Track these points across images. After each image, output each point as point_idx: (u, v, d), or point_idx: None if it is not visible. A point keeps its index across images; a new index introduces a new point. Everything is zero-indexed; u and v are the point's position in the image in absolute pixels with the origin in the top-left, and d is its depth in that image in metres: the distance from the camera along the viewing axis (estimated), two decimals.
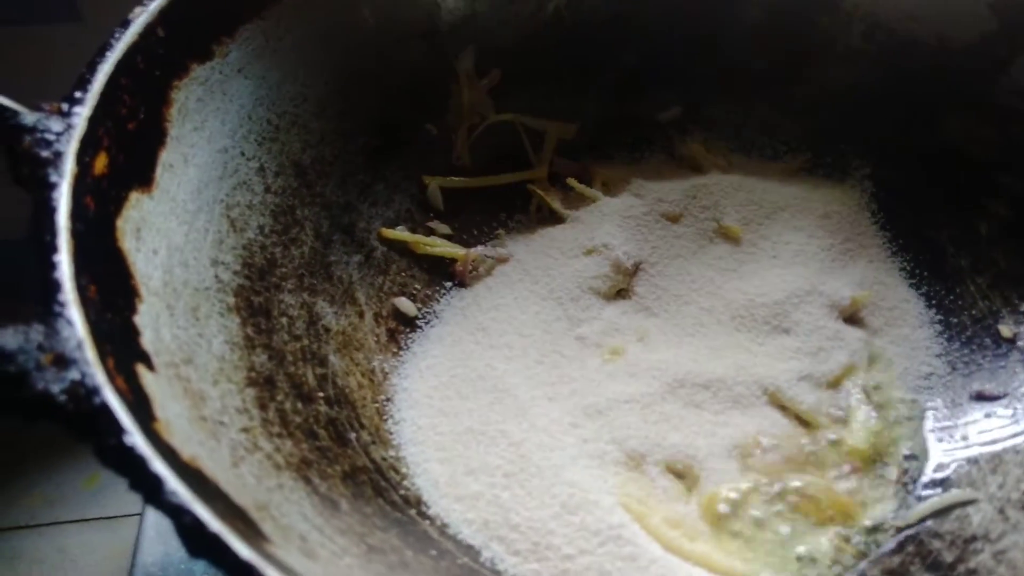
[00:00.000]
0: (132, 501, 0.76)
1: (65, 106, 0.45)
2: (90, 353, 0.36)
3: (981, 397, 0.56)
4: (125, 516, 0.87)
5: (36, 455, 0.92)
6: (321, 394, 0.52)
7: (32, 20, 0.90)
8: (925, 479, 0.52)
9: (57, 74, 0.49)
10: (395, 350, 0.59)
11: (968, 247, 0.63)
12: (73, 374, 0.35)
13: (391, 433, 0.53)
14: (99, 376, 0.35)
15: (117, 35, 0.50)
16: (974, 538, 0.48)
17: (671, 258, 0.65)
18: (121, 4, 0.53)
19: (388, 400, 0.56)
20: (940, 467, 0.53)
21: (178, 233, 0.49)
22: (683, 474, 0.52)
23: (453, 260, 0.65)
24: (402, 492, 0.49)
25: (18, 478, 0.92)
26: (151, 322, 0.43)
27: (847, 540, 0.49)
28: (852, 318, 0.61)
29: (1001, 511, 0.49)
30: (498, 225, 0.69)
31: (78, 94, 0.46)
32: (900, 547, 0.49)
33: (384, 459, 0.51)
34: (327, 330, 0.56)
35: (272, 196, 0.58)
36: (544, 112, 0.71)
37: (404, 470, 0.51)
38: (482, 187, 0.69)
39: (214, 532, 0.31)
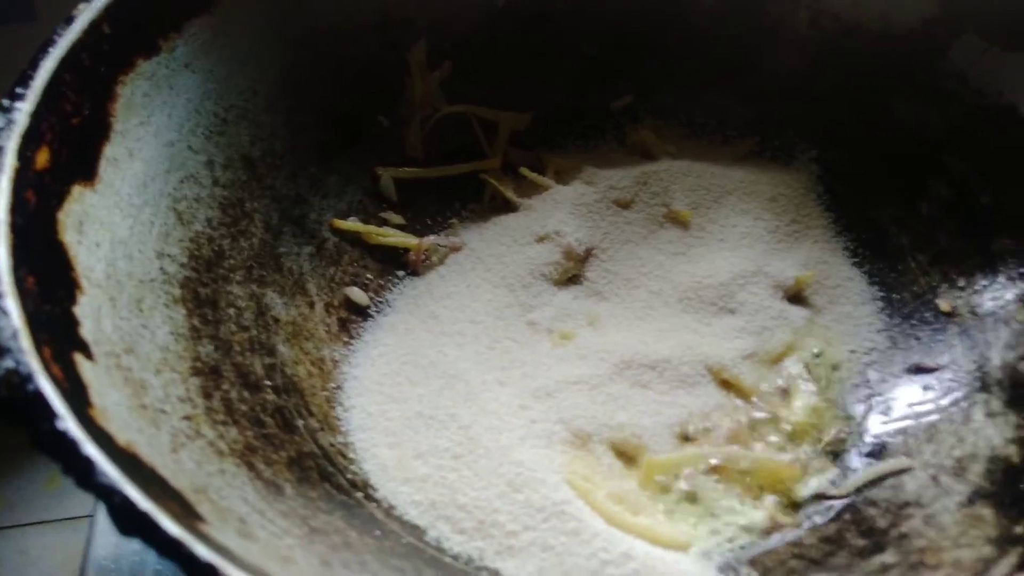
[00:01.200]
0: (92, 502, 0.77)
1: (6, 102, 0.46)
2: (25, 342, 0.37)
3: (919, 370, 0.57)
4: (86, 517, 0.87)
5: None
6: (269, 383, 0.52)
7: None
8: (862, 450, 0.54)
9: (13, 73, 0.49)
10: (346, 339, 0.60)
11: (909, 226, 0.65)
12: (7, 362, 0.35)
13: (340, 420, 0.54)
14: (33, 364, 0.36)
15: (60, 32, 0.51)
16: (907, 504, 0.49)
17: (622, 243, 0.66)
18: (78, 3, 0.54)
19: (338, 388, 0.56)
20: (877, 437, 0.54)
21: (122, 226, 0.50)
22: (628, 452, 0.53)
23: (406, 250, 0.66)
24: (349, 476, 0.50)
25: None
26: (92, 313, 0.43)
27: (783, 509, 0.50)
28: (796, 297, 0.62)
29: (934, 478, 0.50)
30: (452, 214, 0.70)
31: (19, 90, 0.47)
32: (837, 515, 0.50)
33: (332, 445, 0.52)
34: (276, 320, 0.57)
35: (220, 189, 0.58)
36: (497, 102, 0.72)
37: (352, 455, 0.52)
38: (436, 177, 0.70)
39: (143, 511, 0.32)
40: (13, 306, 0.37)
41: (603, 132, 0.75)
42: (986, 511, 0.46)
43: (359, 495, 0.49)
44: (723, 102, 0.75)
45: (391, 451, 0.52)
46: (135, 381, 0.43)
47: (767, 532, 0.49)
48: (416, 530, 0.48)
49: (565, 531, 0.47)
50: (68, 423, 0.34)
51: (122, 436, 0.37)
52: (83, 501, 0.90)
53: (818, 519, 0.50)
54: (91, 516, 0.78)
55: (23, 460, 0.93)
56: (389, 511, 0.49)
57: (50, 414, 0.34)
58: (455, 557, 0.47)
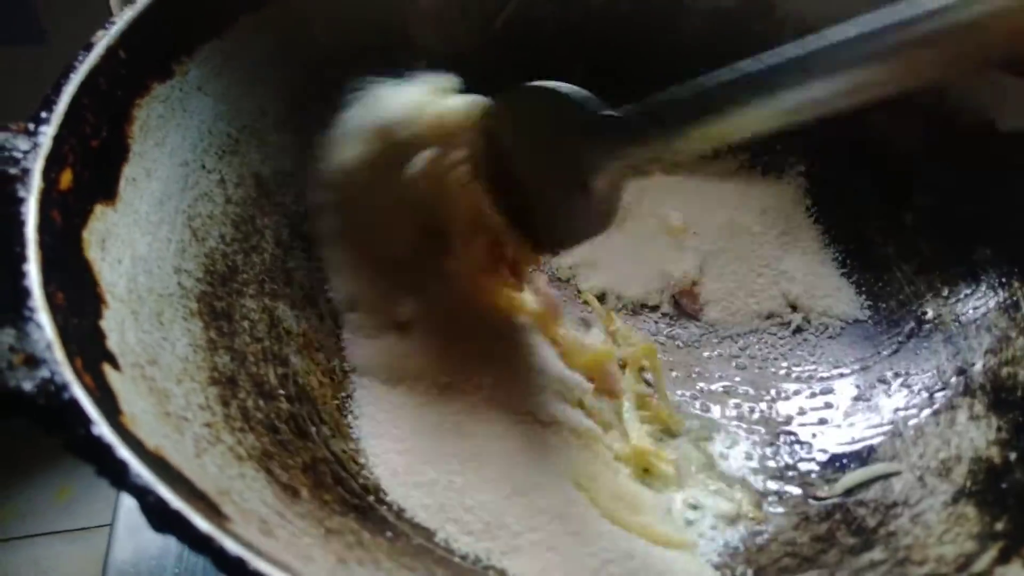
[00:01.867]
0: (103, 512, 0.78)
1: (31, 126, 0.48)
2: (59, 353, 0.39)
3: (906, 375, 0.60)
4: (96, 527, 0.89)
5: (7, 470, 0.93)
6: (282, 392, 0.54)
7: None
8: (850, 452, 0.56)
9: (23, 95, 0.51)
10: None
11: (894, 237, 0.67)
12: (43, 372, 0.37)
13: (351, 427, 0.56)
14: (67, 374, 0.38)
15: (81, 57, 0.53)
16: (895, 504, 0.52)
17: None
18: (85, 27, 0.56)
19: (348, 397, 0.59)
20: (864, 440, 0.56)
21: (142, 243, 0.52)
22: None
23: None
24: (361, 481, 0.52)
25: None
26: (117, 326, 0.45)
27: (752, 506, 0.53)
28: (791, 306, 0.65)
29: (921, 479, 0.53)
30: None
31: (44, 114, 0.49)
32: (828, 514, 0.52)
33: (344, 451, 0.54)
34: (288, 332, 0.59)
35: (233, 206, 0.60)
36: None
37: (363, 461, 0.54)
38: None
39: (176, 509, 0.34)
40: (46, 320, 0.40)
41: None
42: (969, 509, 0.49)
43: (371, 499, 0.51)
44: None
45: (400, 457, 0.54)
46: (159, 390, 0.45)
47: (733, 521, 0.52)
48: (426, 532, 0.50)
49: (569, 532, 0.49)
50: (102, 428, 0.36)
51: (151, 441, 0.39)
52: (92, 512, 0.92)
53: (784, 521, 0.53)
54: (101, 527, 0.80)
55: (34, 472, 0.94)
56: (400, 514, 0.51)
57: (85, 420, 0.36)
58: (463, 557, 0.49)
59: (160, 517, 0.34)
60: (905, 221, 0.67)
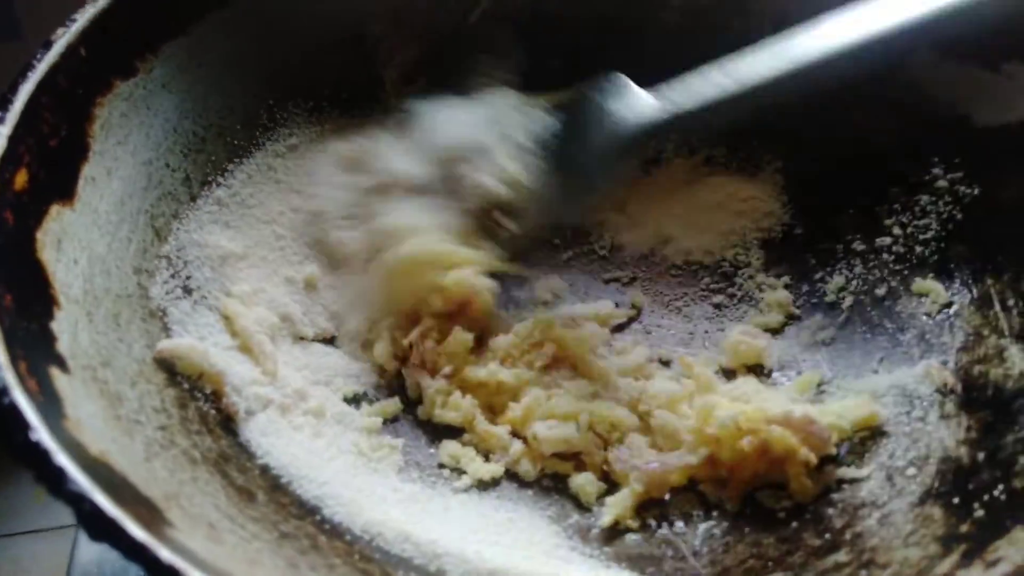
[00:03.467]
0: None
1: None
2: (2, 357, 0.38)
3: (876, 373, 0.59)
4: (74, 525, 0.89)
5: None
6: None
7: None
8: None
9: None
10: None
11: (870, 234, 0.66)
12: None
13: None
14: (9, 378, 0.37)
15: (40, 55, 0.52)
16: (863, 504, 0.51)
17: None
18: (62, 21, 0.56)
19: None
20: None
21: (100, 243, 0.51)
22: None
23: None
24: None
25: None
26: (69, 328, 0.45)
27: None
28: None
29: (889, 478, 0.52)
30: None
31: None
32: (795, 514, 0.52)
33: None
34: None
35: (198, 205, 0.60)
36: None
37: None
38: None
39: (110, 516, 0.33)
40: None
41: None
42: (936, 510, 0.48)
43: (331, 501, 0.50)
44: None
45: None
46: (111, 393, 0.44)
47: None
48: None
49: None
50: (41, 434, 0.35)
51: (95, 446, 0.39)
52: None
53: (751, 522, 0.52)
54: (75, 525, 0.80)
55: (13, 469, 0.94)
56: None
57: (24, 426, 0.36)
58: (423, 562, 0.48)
59: (95, 525, 0.33)
60: (880, 218, 0.66)
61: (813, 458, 0.51)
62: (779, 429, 0.51)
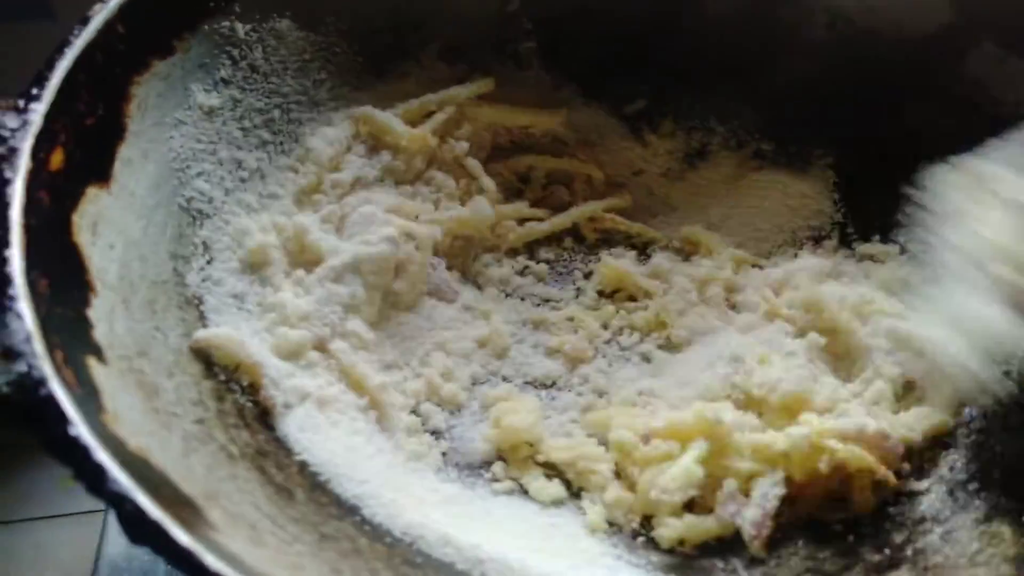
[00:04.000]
0: None
1: (21, 102, 0.46)
2: (38, 346, 0.36)
3: None
4: (99, 511, 0.87)
5: (11, 452, 0.92)
6: None
7: (4, 17, 0.90)
8: None
9: (30, 71, 0.49)
10: None
11: None
12: (20, 367, 0.35)
13: None
14: (46, 368, 0.36)
15: (77, 32, 0.50)
16: (923, 519, 0.49)
17: None
18: (93, 1, 0.54)
19: None
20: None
21: (136, 228, 0.49)
22: None
23: None
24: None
25: None
26: (105, 315, 0.43)
27: None
28: None
29: (951, 492, 0.50)
30: None
31: (35, 91, 0.46)
32: (852, 528, 0.50)
33: None
34: None
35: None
36: (508, 104, 0.72)
37: None
38: None
39: (154, 519, 0.32)
40: (26, 309, 0.37)
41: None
42: (1004, 528, 0.46)
43: (371, 501, 0.48)
44: (737, 107, 0.74)
45: None
46: (148, 384, 0.43)
47: None
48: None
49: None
50: (80, 428, 0.34)
51: (134, 441, 0.37)
52: None
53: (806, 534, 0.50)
54: (105, 511, 0.79)
55: (38, 454, 0.93)
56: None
57: (62, 419, 0.34)
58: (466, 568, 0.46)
59: (137, 527, 0.32)
60: None
61: (892, 478, 0.49)
62: (855, 448, 0.48)
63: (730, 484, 0.49)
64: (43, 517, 0.91)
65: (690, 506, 0.50)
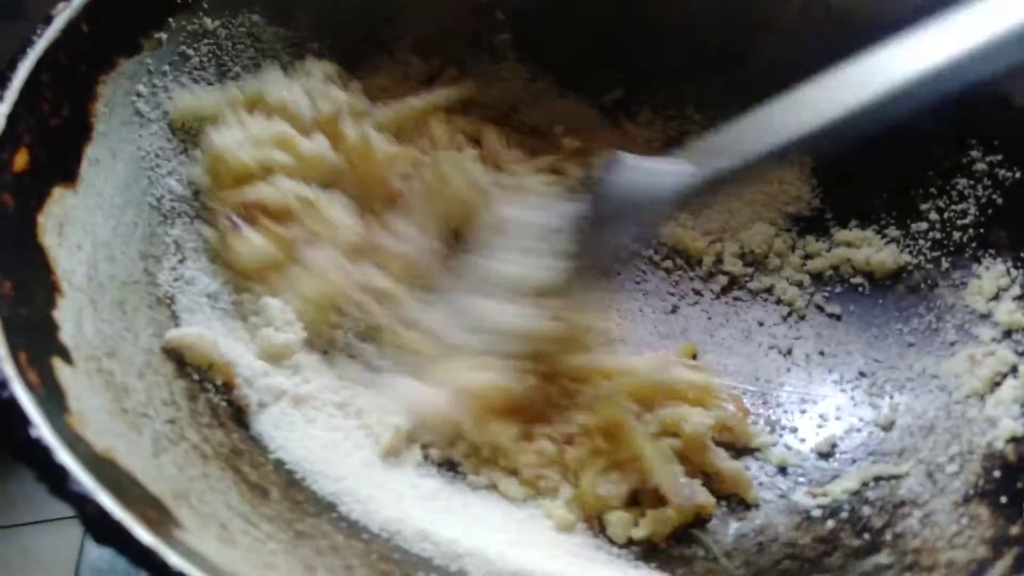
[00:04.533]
0: None
1: None
2: (1, 348, 0.36)
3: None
4: None
5: None
6: None
7: None
8: (856, 447, 0.53)
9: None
10: None
11: (902, 219, 0.64)
12: None
13: None
14: (8, 370, 0.35)
15: (40, 31, 0.50)
16: (903, 503, 0.49)
17: None
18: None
19: None
20: (872, 434, 0.53)
21: (105, 228, 0.49)
22: None
23: None
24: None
25: None
26: (72, 316, 0.43)
27: None
28: None
29: (930, 475, 0.50)
30: None
31: None
32: (832, 514, 0.50)
33: None
34: None
35: None
36: (486, 96, 0.71)
37: None
38: None
39: (117, 520, 0.31)
40: None
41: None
42: (982, 510, 0.46)
43: (348, 497, 0.48)
44: (716, 94, 0.73)
45: None
46: (117, 385, 0.42)
47: None
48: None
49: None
50: (42, 431, 0.33)
51: (100, 442, 0.37)
52: None
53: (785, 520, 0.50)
54: None
55: None
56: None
57: (24, 422, 0.33)
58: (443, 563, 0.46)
59: (101, 528, 0.31)
60: (915, 202, 0.64)
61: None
62: None
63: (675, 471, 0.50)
64: (28, 523, 0.91)
65: (635, 496, 0.50)
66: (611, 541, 0.49)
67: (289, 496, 0.45)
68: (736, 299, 0.65)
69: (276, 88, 0.59)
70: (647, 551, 0.49)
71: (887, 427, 0.54)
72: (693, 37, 0.71)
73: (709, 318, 0.64)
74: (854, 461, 0.53)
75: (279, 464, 0.48)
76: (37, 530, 0.91)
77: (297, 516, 0.44)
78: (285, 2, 0.64)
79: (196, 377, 0.49)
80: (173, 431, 0.43)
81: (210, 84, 0.59)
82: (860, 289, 0.63)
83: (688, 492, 0.49)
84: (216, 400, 0.49)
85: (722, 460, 0.52)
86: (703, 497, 0.49)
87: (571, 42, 0.73)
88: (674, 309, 0.64)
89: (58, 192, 0.47)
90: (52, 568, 0.88)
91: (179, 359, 0.48)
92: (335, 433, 0.51)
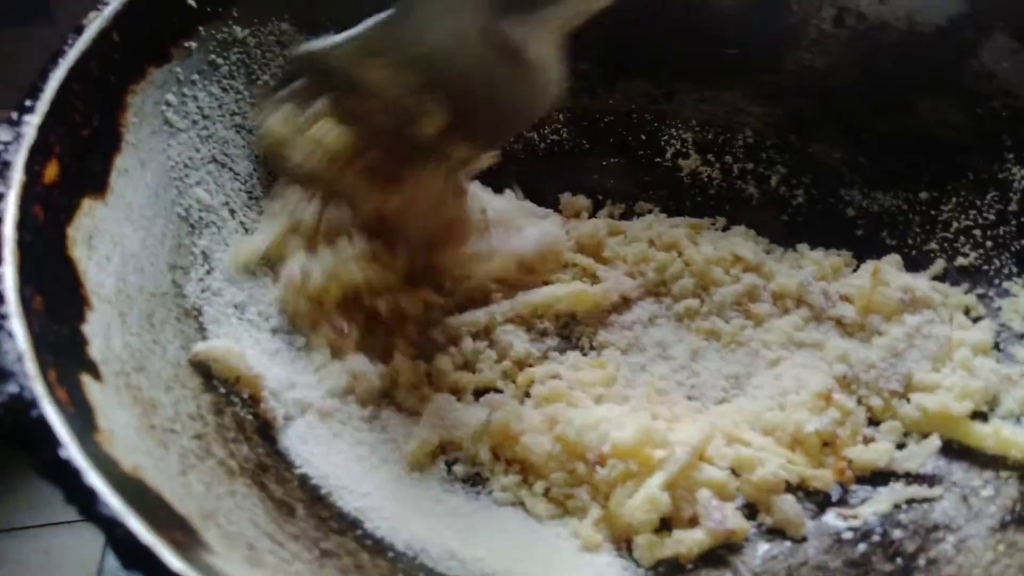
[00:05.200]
0: None
1: (15, 115, 0.45)
2: (30, 366, 0.36)
3: None
4: None
5: (19, 458, 0.92)
6: None
7: (4, 23, 0.90)
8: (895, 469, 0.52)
9: (29, 77, 0.49)
10: None
11: (932, 230, 0.63)
12: (11, 387, 0.35)
13: None
14: (38, 389, 0.35)
15: (71, 41, 0.50)
16: (936, 527, 0.48)
17: None
18: (93, 6, 0.53)
19: None
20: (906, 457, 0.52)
21: (134, 239, 0.49)
22: None
23: None
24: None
25: (0, 482, 0.93)
26: (101, 330, 0.43)
27: None
28: None
29: (964, 499, 0.49)
30: None
31: (28, 102, 0.46)
32: (863, 537, 0.49)
33: None
34: None
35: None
36: None
37: None
38: None
39: (146, 544, 0.31)
40: (19, 328, 0.37)
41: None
42: (1020, 538, 0.45)
43: (373, 514, 0.48)
44: (742, 102, 0.73)
45: None
46: (145, 400, 0.42)
47: None
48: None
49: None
50: (71, 451, 0.33)
51: (128, 460, 0.36)
52: None
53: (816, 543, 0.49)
54: None
55: None
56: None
57: (53, 442, 0.33)
58: None
59: (129, 552, 0.31)
60: (943, 213, 0.63)
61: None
62: None
63: (704, 495, 0.49)
64: (51, 524, 0.91)
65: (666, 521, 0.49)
66: (638, 563, 0.48)
67: (314, 513, 0.45)
68: None
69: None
70: (673, 570, 0.49)
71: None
72: (727, 44, 0.71)
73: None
74: (886, 483, 0.52)
75: (304, 480, 0.47)
76: (55, 532, 0.92)
77: (323, 534, 0.44)
78: (314, 10, 0.63)
79: (223, 390, 0.49)
80: (200, 447, 0.43)
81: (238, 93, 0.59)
82: None
83: (719, 517, 0.48)
84: (243, 414, 0.48)
85: (788, 505, 0.50)
86: (736, 522, 0.48)
87: (602, 49, 0.72)
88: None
89: (88, 204, 0.46)
90: (73, 570, 0.89)
91: (206, 372, 0.48)
92: (361, 447, 0.51)
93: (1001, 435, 0.50)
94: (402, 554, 0.45)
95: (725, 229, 0.68)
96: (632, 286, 0.63)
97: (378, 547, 0.45)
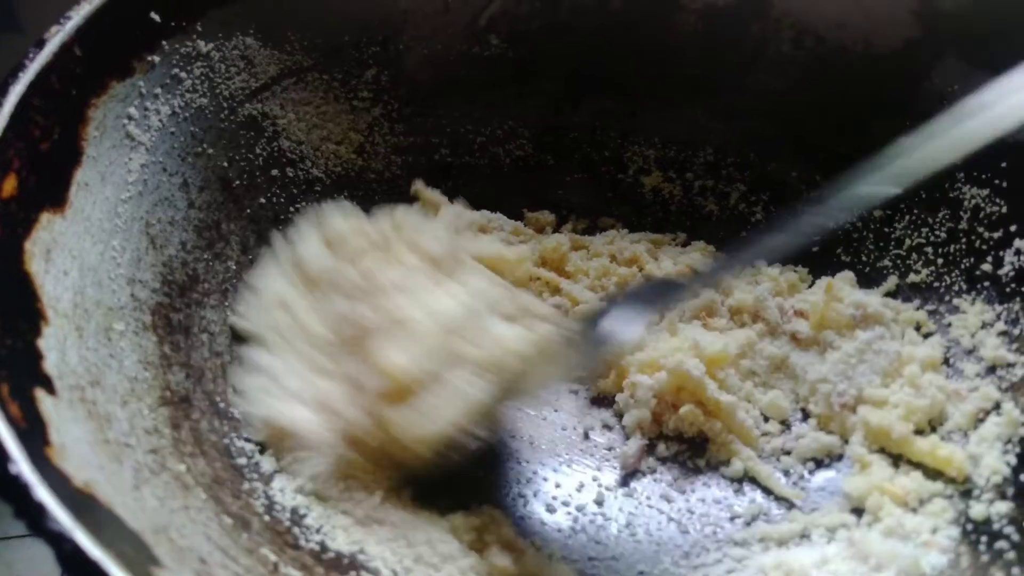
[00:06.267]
0: None
1: None
2: None
3: None
4: None
5: None
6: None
7: None
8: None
9: None
10: None
11: (888, 249, 0.64)
12: None
13: None
14: None
15: (32, 55, 0.50)
16: None
17: None
18: (60, 14, 0.53)
19: None
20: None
21: (92, 253, 0.49)
22: None
23: None
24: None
25: None
26: (57, 344, 0.43)
27: None
28: None
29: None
30: None
31: None
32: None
33: None
34: None
35: (196, 211, 0.58)
36: (480, 118, 0.72)
37: None
38: None
39: (93, 559, 0.31)
40: None
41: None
42: (963, 548, 0.46)
43: (330, 528, 0.48)
44: (704, 120, 0.74)
45: None
46: (99, 415, 0.42)
47: None
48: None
49: None
50: (21, 466, 0.33)
51: (80, 475, 0.37)
52: None
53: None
54: None
55: None
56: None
57: (3, 456, 0.33)
58: None
59: (77, 567, 0.31)
60: (896, 232, 0.64)
61: None
62: None
63: None
64: (13, 536, 0.90)
65: None
66: None
67: (270, 526, 0.45)
68: None
69: None
70: None
71: None
72: (688, 65, 0.72)
73: None
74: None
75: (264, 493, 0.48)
76: (22, 544, 0.91)
77: (279, 548, 0.44)
78: (279, 24, 0.64)
79: (180, 404, 0.49)
80: (155, 461, 0.43)
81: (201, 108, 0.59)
82: None
83: None
84: (200, 426, 0.49)
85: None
86: None
87: (561, 69, 0.73)
88: None
89: (46, 218, 0.47)
90: None
91: (165, 386, 0.48)
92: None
93: (937, 453, 0.51)
94: (361, 567, 0.46)
95: (685, 245, 0.69)
96: (594, 300, 0.64)
97: (336, 562, 0.45)
